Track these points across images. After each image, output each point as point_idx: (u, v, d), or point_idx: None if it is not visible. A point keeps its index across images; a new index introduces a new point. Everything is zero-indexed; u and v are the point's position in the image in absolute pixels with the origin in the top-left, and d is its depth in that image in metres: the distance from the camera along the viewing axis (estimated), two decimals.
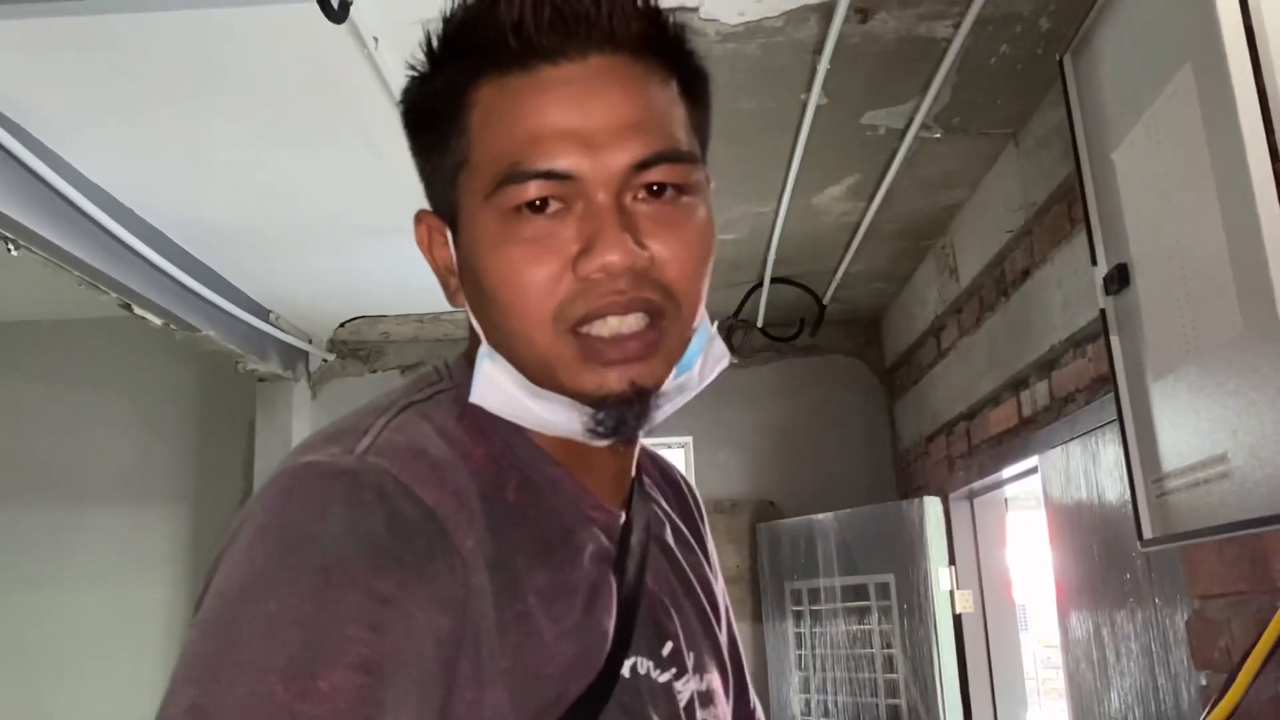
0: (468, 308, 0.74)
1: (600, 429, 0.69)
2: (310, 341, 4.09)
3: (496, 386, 0.70)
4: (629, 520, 0.77)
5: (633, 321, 0.67)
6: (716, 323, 0.77)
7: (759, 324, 3.96)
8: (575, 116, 0.67)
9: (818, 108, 2.37)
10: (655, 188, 0.68)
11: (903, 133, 2.55)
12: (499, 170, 0.67)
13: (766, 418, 4.19)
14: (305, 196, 2.83)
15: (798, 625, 3.68)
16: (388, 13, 1.96)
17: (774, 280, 3.61)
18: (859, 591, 3.37)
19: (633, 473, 0.80)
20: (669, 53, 0.72)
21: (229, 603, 0.58)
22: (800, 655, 3.65)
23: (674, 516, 0.88)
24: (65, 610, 3.97)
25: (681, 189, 0.69)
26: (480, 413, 0.71)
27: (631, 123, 0.67)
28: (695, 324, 0.72)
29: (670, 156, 0.68)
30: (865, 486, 4.03)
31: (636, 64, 0.69)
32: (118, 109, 2.29)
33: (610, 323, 0.67)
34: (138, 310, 2.97)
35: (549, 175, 0.66)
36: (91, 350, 4.11)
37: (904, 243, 3.39)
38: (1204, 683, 1.58)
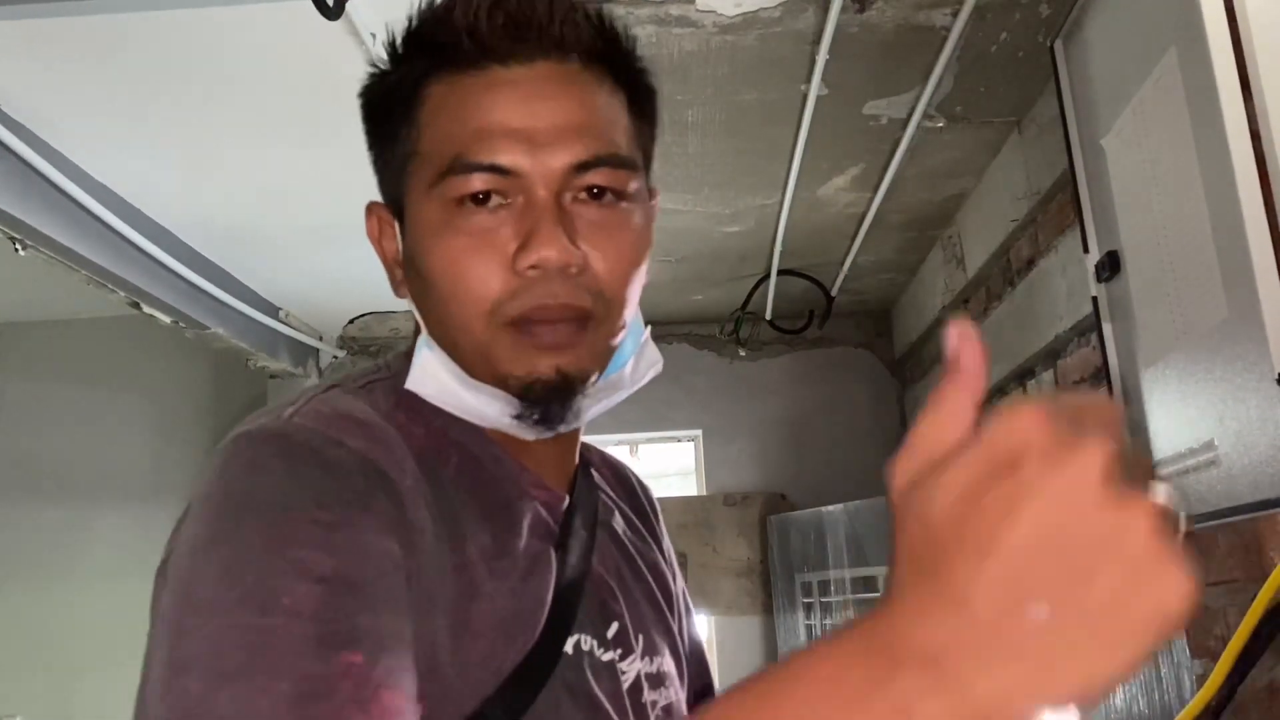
0: (410, 298, 0.76)
1: (527, 418, 0.71)
2: (320, 338, 4.11)
3: (432, 375, 0.73)
4: (573, 503, 0.78)
5: (562, 329, 0.70)
6: (649, 327, 0.79)
7: (767, 316, 3.95)
8: (521, 116, 0.70)
9: (819, 98, 2.36)
10: (594, 191, 0.71)
11: (905, 122, 2.54)
12: (444, 161, 0.70)
13: (776, 410, 4.18)
14: (312, 194, 2.85)
15: (808, 617, 3.68)
16: (384, 9, 1.96)
17: (781, 272, 3.60)
18: (869, 583, 3.37)
19: (575, 460, 0.81)
20: (618, 65, 0.75)
21: (182, 572, 0.59)
22: None
23: (624, 507, 0.89)
24: (82, 608, 4.00)
25: (620, 195, 0.72)
26: (418, 400, 0.73)
27: (574, 125, 0.70)
28: (622, 325, 0.74)
29: (610, 161, 0.71)
30: (877, 478, 3.99)
31: (585, 71, 0.72)
32: (122, 108, 2.30)
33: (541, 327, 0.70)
34: (146, 309, 2.99)
35: (492, 169, 0.69)
36: (102, 349, 4.14)
37: (911, 233, 3.38)
38: (1200, 671, 1.57)
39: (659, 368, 0.79)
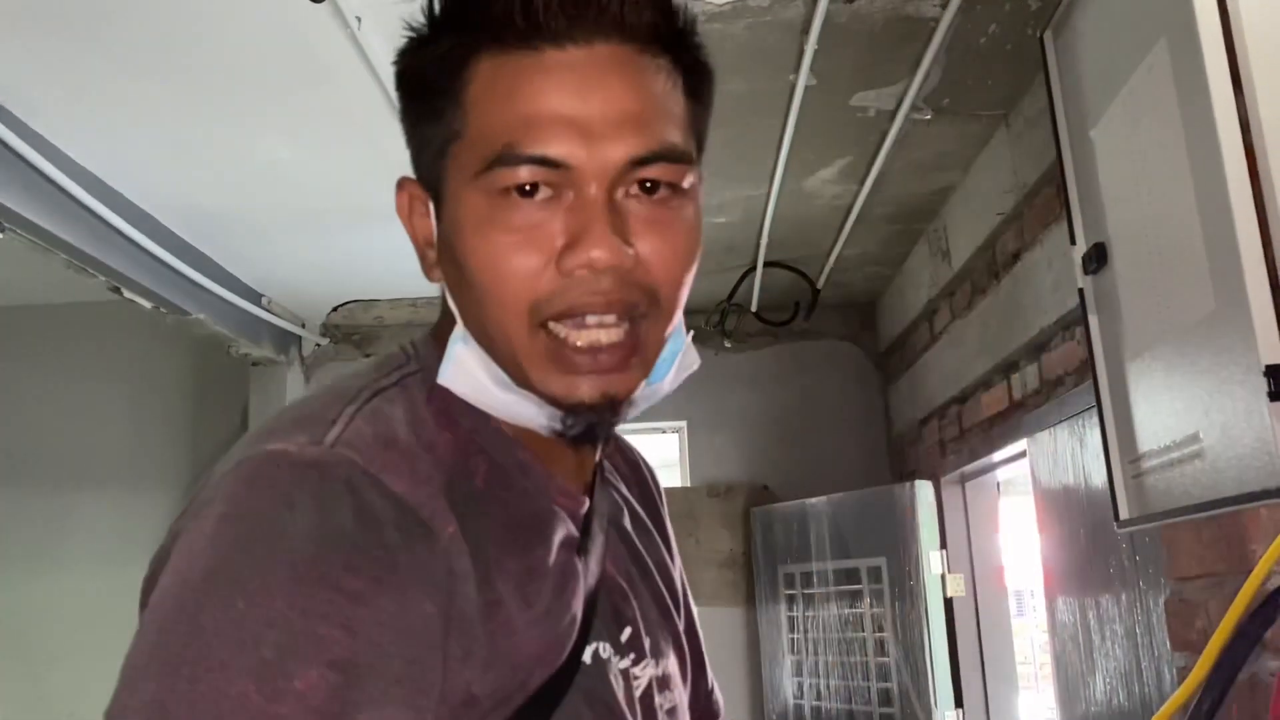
0: (444, 284, 0.72)
1: (568, 433, 0.69)
2: (303, 326, 4.09)
3: (467, 372, 0.69)
4: (592, 507, 0.77)
5: (610, 322, 0.66)
6: (692, 333, 0.76)
7: (753, 308, 3.95)
8: (575, 103, 0.65)
9: (807, 89, 2.35)
10: (648, 185, 0.67)
11: (893, 114, 2.53)
12: (492, 150, 0.65)
13: (761, 402, 4.18)
14: (296, 179, 2.82)
15: (790, 609, 3.68)
16: None
17: (767, 264, 3.59)
18: (851, 575, 3.37)
19: (597, 459, 0.79)
20: (677, 47, 0.70)
21: (191, 593, 0.56)
22: (793, 639, 3.65)
23: (633, 501, 0.87)
24: (61, 596, 3.96)
25: (674, 189, 0.68)
26: (448, 395, 0.70)
27: (631, 116, 0.66)
28: (671, 329, 0.71)
29: (667, 155, 0.67)
30: (860, 471, 4.03)
31: (643, 56, 0.68)
32: (104, 91, 2.27)
33: (588, 322, 0.66)
34: (127, 294, 2.96)
35: (542, 161, 0.65)
36: (83, 335, 4.10)
37: (897, 226, 3.38)
38: (1181, 665, 1.58)
39: (695, 367, 0.76)
